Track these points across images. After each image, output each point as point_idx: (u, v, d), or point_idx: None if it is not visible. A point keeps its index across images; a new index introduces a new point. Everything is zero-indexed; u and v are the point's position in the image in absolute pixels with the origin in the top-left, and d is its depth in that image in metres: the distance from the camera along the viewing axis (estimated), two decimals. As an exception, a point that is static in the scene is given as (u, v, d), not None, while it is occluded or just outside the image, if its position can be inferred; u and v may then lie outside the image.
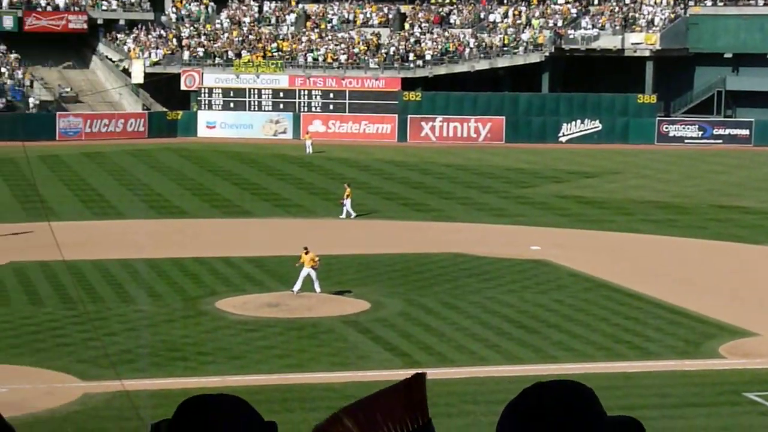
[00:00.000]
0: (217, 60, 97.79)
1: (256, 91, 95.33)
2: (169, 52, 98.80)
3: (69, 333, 36.51)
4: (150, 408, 29.27)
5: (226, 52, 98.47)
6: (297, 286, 41.85)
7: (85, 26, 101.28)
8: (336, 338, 36.93)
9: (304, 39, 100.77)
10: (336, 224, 57.23)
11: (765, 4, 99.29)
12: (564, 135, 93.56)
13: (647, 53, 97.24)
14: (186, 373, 32.81)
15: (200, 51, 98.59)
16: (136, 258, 47.68)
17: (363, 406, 2.66)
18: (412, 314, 39.92)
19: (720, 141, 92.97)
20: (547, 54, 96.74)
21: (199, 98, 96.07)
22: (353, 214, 58.35)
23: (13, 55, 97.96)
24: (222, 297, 41.75)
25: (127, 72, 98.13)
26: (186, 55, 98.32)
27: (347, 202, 58.56)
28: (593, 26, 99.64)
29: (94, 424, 28.60)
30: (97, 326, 34.39)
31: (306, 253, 42.07)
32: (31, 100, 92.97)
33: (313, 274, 41.93)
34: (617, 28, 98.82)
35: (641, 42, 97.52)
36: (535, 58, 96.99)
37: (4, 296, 41.44)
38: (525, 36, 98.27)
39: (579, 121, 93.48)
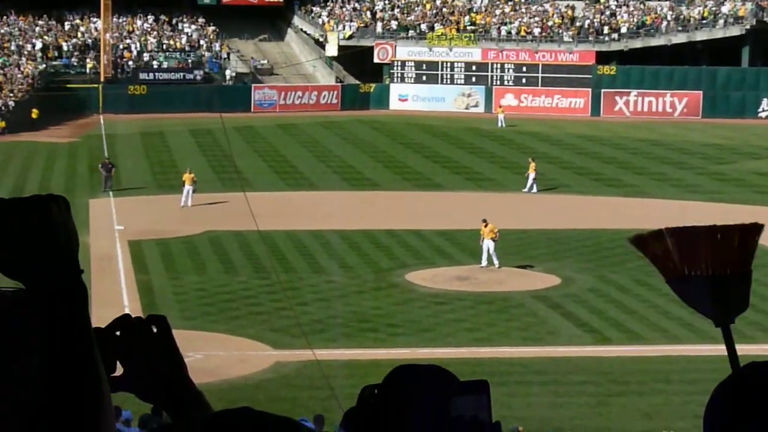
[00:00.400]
0: (411, 33, 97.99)
1: (448, 64, 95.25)
2: (363, 24, 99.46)
3: (262, 302, 37.14)
4: (340, 378, 29.51)
5: (419, 24, 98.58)
6: (484, 260, 41.72)
7: None
8: (526, 313, 36.64)
9: (497, 12, 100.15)
10: (527, 198, 56.79)
11: None
12: (764, 110, 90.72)
13: None
14: (376, 345, 33.01)
15: (393, 24, 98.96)
16: (327, 229, 48.20)
17: (689, 233, 2.60)
18: (603, 290, 39.32)
19: None
20: (747, 27, 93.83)
21: (391, 71, 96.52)
22: (535, 190, 57.87)
23: (210, 28, 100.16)
24: (412, 269, 41.86)
25: (321, 44, 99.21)
26: (379, 27, 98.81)
27: (531, 175, 58.15)
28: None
29: (285, 392, 29.00)
30: (290, 296, 34.85)
31: (485, 226, 41.91)
32: (227, 72, 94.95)
33: (492, 246, 41.71)
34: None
35: None
36: (735, 31, 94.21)
37: (199, 264, 42.41)
38: (725, 8, 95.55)
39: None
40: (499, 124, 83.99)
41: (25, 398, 2.12)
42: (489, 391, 2.97)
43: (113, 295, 37.33)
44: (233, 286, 39.32)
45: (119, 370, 2.57)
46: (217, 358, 31.39)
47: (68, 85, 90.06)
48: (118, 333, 2.54)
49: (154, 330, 2.58)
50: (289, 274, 40.40)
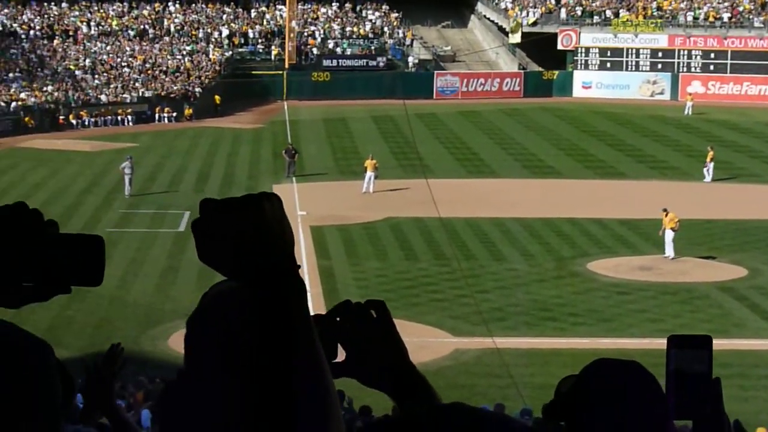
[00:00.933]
0: (595, 19, 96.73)
1: (633, 51, 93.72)
2: (547, 11, 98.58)
3: (442, 289, 37.12)
4: (520, 366, 29.31)
5: (604, 10, 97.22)
6: (667, 251, 40.90)
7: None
8: (710, 304, 35.76)
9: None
10: (712, 188, 55.44)
11: None
12: None
13: None
14: (556, 334, 32.67)
15: (578, 10, 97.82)
16: (508, 217, 47.92)
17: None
18: (793, 284, 38.11)
19: None
20: None
21: (575, 58, 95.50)
22: (708, 179, 56.50)
23: (394, 15, 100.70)
24: (594, 258, 41.29)
25: (504, 31, 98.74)
26: (563, 13, 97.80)
27: (710, 165, 56.78)
28: None
29: (464, 379, 28.91)
30: (470, 283, 34.71)
31: (666, 215, 41.03)
32: (410, 58, 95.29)
33: (671, 236, 40.82)
34: None
35: None
36: None
37: (380, 251, 42.64)
38: None
39: None
40: (686, 112, 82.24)
41: (248, 389, 2.13)
42: (711, 347, 2.95)
43: (295, 279, 37.85)
44: (414, 272, 39.40)
45: (341, 356, 2.55)
46: (397, 344, 31.43)
47: (253, 72, 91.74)
48: (338, 319, 2.51)
49: (374, 315, 2.56)
50: (470, 262, 40.29)
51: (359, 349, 2.58)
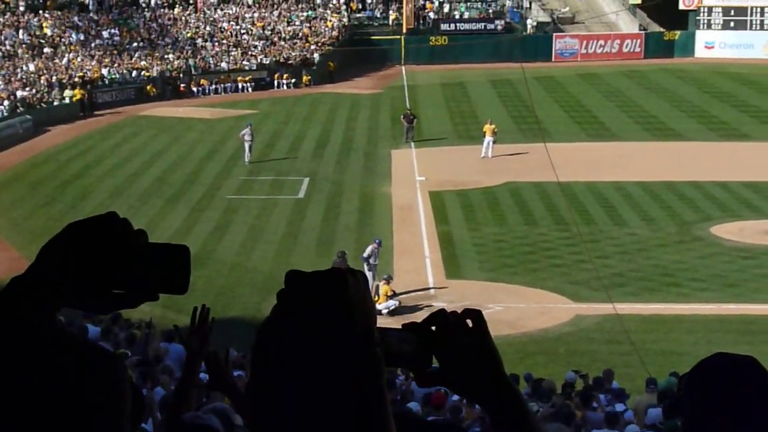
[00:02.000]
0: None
1: (758, 9, 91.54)
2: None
3: (561, 254, 36.80)
4: (641, 332, 28.94)
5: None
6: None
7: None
8: (840, 270, 34.89)
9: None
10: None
11: None
12: None
13: None
14: (678, 299, 32.17)
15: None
16: (629, 181, 47.28)
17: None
18: None
19: None
20: None
21: (697, 17, 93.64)
22: None
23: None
24: (717, 223, 40.54)
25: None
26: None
27: None
28: None
29: (585, 345, 28.67)
30: (590, 248, 34.32)
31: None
32: (528, 21, 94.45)
33: None
34: None
35: None
36: None
37: (500, 216, 42.41)
38: None
39: None
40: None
41: None
42: None
43: (414, 245, 37.83)
44: (533, 237, 39.12)
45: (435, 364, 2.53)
46: (517, 310, 31.32)
47: (371, 37, 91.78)
48: (433, 327, 2.51)
49: (470, 324, 2.50)
50: (590, 227, 39.87)
51: (454, 359, 2.53)
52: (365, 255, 32.69)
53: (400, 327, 2.53)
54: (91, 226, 2.21)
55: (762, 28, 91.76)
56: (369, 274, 31.80)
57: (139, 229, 2.28)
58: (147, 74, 76.62)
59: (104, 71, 75.23)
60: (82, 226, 2.21)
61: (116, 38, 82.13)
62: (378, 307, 30.52)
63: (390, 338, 2.44)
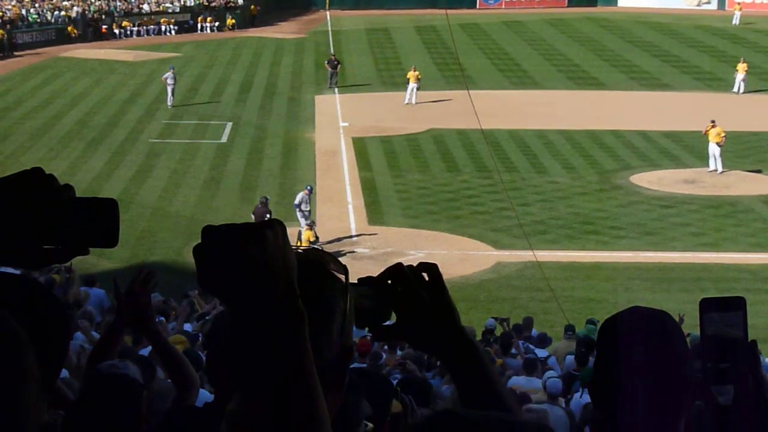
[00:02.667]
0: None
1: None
2: None
3: (484, 201, 37.04)
4: (561, 280, 29.29)
5: None
6: (712, 164, 40.50)
7: None
8: (755, 218, 35.51)
9: None
10: (759, 99, 54.74)
11: None
12: None
13: None
14: (597, 247, 32.58)
15: None
16: (551, 129, 47.63)
17: None
18: (840, 198, 37.74)
19: None
20: None
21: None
22: (742, 90, 55.64)
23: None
24: (637, 171, 41.03)
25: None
26: None
27: (739, 76, 55.86)
28: None
29: (505, 292, 28.97)
30: (512, 196, 34.54)
31: (712, 127, 40.45)
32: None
33: (717, 150, 40.32)
34: None
35: None
36: None
37: (422, 163, 42.55)
38: None
39: None
40: (734, 21, 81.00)
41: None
42: (745, 309, 2.93)
43: (337, 191, 37.85)
44: (456, 185, 39.32)
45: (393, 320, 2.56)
46: (439, 256, 31.47)
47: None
48: (389, 281, 2.48)
49: (426, 277, 2.56)
50: (512, 174, 40.15)
51: (410, 312, 2.56)
52: (296, 202, 32.70)
53: (357, 281, 2.56)
54: (15, 183, 2.21)
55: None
56: (302, 221, 31.87)
57: (65, 184, 2.28)
58: (68, 15, 75.41)
59: (24, 11, 73.97)
60: (6, 183, 2.21)
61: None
62: (300, 252, 30.56)
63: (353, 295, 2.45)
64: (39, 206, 2.20)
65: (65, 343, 2.34)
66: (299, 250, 2.46)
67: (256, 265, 2.11)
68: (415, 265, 2.61)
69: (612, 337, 2.90)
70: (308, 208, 32.72)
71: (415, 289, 2.57)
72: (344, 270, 2.38)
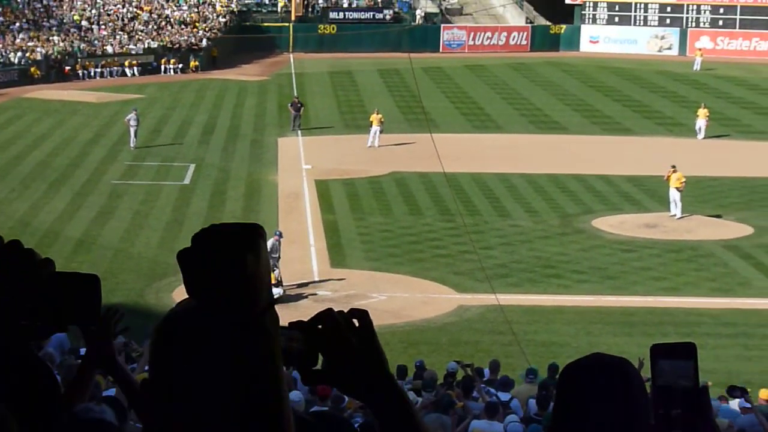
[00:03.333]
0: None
1: (642, 5, 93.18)
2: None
3: (446, 244, 37.10)
4: (523, 323, 29.34)
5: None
6: (673, 210, 40.77)
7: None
8: (716, 263, 35.72)
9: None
10: (719, 145, 55.21)
11: None
12: None
13: None
14: (559, 291, 32.69)
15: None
16: (514, 173, 47.83)
17: None
18: (799, 242, 38.03)
19: None
20: None
21: (583, 12, 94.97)
22: (702, 136, 56.24)
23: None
24: (599, 215, 41.24)
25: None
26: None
27: (702, 122, 56.40)
28: None
29: (468, 335, 28.96)
30: (474, 239, 34.64)
31: (673, 172, 40.75)
32: (417, 12, 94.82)
33: (677, 195, 40.60)
34: None
35: None
36: None
37: (385, 205, 42.60)
38: None
39: None
40: (695, 67, 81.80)
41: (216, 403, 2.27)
42: (695, 356, 2.93)
43: (300, 233, 37.82)
44: (418, 228, 39.38)
45: (320, 364, 2.56)
46: (401, 299, 31.53)
47: (260, 24, 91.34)
48: (320, 326, 2.50)
49: (356, 323, 2.55)
50: (474, 218, 40.25)
51: (339, 357, 2.56)
52: (268, 248, 32.28)
53: (287, 325, 2.56)
54: None
55: (645, 24, 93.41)
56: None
57: (45, 258, 2.25)
58: (31, 56, 75.24)
59: (-14, 52, 73.75)
60: None
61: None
62: (263, 295, 30.40)
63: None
64: (18, 282, 2.17)
65: (54, 413, 2.32)
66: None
67: (250, 273, 2.13)
68: (345, 311, 2.62)
69: (572, 384, 2.91)
70: (277, 255, 31.28)
71: (344, 334, 2.56)
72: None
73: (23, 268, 2.18)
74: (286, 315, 2.61)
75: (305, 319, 2.58)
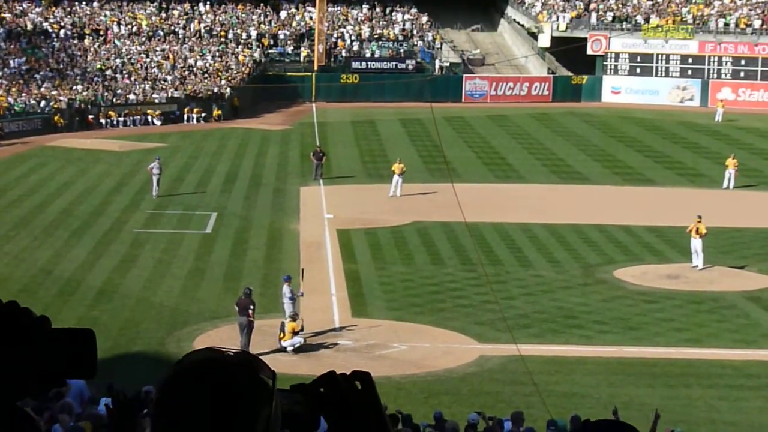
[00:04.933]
0: (625, 24, 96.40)
1: (663, 57, 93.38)
2: (577, 15, 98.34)
3: (468, 294, 37.04)
4: (545, 374, 29.21)
5: (635, 16, 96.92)
6: (695, 261, 40.64)
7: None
8: (738, 314, 35.55)
9: (716, 3, 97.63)
10: (742, 196, 55.10)
11: None
12: None
13: None
14: (581, 341, 32.55)
15: (608, 15, 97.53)
16: (535, 222, 47.79)
17: None
18: (822, 294, 37.83)
19: None
20: None
21: (605, 63, 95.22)
22: (731, 185, 56.19)
23: (424, 18, 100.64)
24: (620, 266, 41.13)
25: (533, 35, 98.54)
26: (594, 18, 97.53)
27: (730, 171, 56.40)
28: None
29: (489, 386, 28.85)
30: (496, 289, 34.61)
31: (699, 222, 40.66)
32: (438, 61, 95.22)
33: (699, 245, 40.47)
34: None
35: None
36: None
37: (407, 255, 42.58)
38: None
39: None
40: (717, 119, 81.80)
41: None
42: None
43: (321, 282, 37.82)
44: (440, 277, 39.34)
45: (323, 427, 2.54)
46: (423, 349, 31.46)
47: (283, 74, 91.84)
48: (322, 389, 2.50)
49: (359, 386, 2.54)
50: (496, 267, 40.21)
51: (342, 421, 2.55)
52: (286, 294, 32.20)
53: (289, 388, 2.55)
54: None
55: (667, 75, 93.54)
56: (287, 310, 31.51)
57: (41, 316, 2.28)
58: (55, 105, 75.81)
59: (11, 100, 74.35)
60: None
61: (24, 67, 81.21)
62: (283, 344, 30.44)
63: (280, 399, 2.46)
64: (15, 340, 2.20)
65: None
66: (229, 353, 2.47)
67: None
68: (348, 373, 2.61)
69: None
70: (291, 296, 32.00)
71: (346, 397, 2.56)
72: (272, 375, 2.42)
73: (20, 326, 2.21)
74: (306, 364, 2.63)
75: (307, 383, 2.57)
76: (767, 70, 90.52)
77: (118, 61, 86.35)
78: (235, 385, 2.31)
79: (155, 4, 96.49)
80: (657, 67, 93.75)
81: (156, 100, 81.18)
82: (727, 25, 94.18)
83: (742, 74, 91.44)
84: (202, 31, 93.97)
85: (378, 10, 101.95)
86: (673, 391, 28.53)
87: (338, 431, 2.56)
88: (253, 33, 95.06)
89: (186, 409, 2.29)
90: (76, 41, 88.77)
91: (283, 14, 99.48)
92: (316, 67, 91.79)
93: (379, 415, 2.60)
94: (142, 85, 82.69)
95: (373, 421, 2.58)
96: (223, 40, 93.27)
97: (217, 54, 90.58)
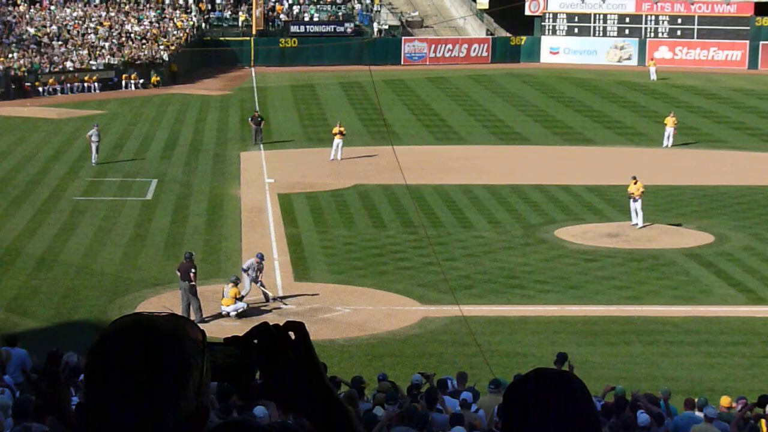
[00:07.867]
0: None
1: (601, 17, 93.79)
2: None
3: (410, 256, 37.14)
4: (487, 334, 29.40)
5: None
6: (635, 219, 41.00)
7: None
8: (677, 271, 35.94)
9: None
10: (679, 153, 55.63)
11: None
12: None
13: None
14: (523, 301, 32.78)
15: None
16: (476, 184, 47.96)
17: None
18: (758, 249, 38.34)
19: None
20: None
21: (543, 23, 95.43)
22: (669, 144, 56.71)
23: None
24: (561, 225, 41.42)
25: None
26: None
27: (670, 130, 56.88)
28: None
29: (432, 347, 28.98)
30: (437, 251, 34.75)
31: (634, 183, 40.98)
32: (376, 25, 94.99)
33: (638, 204, 40.83)
34: None
35: None
36: None
37: (348, 218, 42.61)
38: None
39: None
40: (652, 77, 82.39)
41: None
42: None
43: (263, 247, 37.72)
44: (382, 240, 39.41)
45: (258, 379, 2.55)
46: (365, 312, 31.54)
47: (221, 38, 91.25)
48: (255, 341, 2.51)
49: (293, 336, 2.54)
50: (438, 229, 40.33)
51: (277, 372, 2.56)
52: (244, 267, 32.27)
53: (223, 340, 2.55)
54: None
55: (605, 34, 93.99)
56: (247, 283, 31.51)
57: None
58: (-10, 73, 74.81)
59: (-55, 69, 73.28)
60: None
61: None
62: (226, 309, 30.43)
63: (214, 353, 2.47)
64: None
65: None
66: (160, 315, 2.48)
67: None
68: (281, 324, 2.61)
69: (518, 402, 2.89)
70: (254, 275, 31.71)
71: (280, 348, 2.57)
72: (202, 333, 2.44)
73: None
74: (248, 329, 2.63)
75: (240, 334, 2.57)
76: (703, 28, 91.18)
77: (54, 27, 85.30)
78: (165, 345, 2.32)
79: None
80: (595, 27, 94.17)
81: (93, 67, 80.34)
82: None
83: (678, 33, 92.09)
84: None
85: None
86: (614, 349, 28.84)
87: (273, 382, 2.57)
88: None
89: (116, 370, 2.31)
90: (10, 8, 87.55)
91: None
92: (254, 32, 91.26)
93: (314, 363, 2.60)
94: (80, 52, 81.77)
95: (308, 370, 2.58)
96: (160, 5, 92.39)
97: (154, 19, 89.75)
